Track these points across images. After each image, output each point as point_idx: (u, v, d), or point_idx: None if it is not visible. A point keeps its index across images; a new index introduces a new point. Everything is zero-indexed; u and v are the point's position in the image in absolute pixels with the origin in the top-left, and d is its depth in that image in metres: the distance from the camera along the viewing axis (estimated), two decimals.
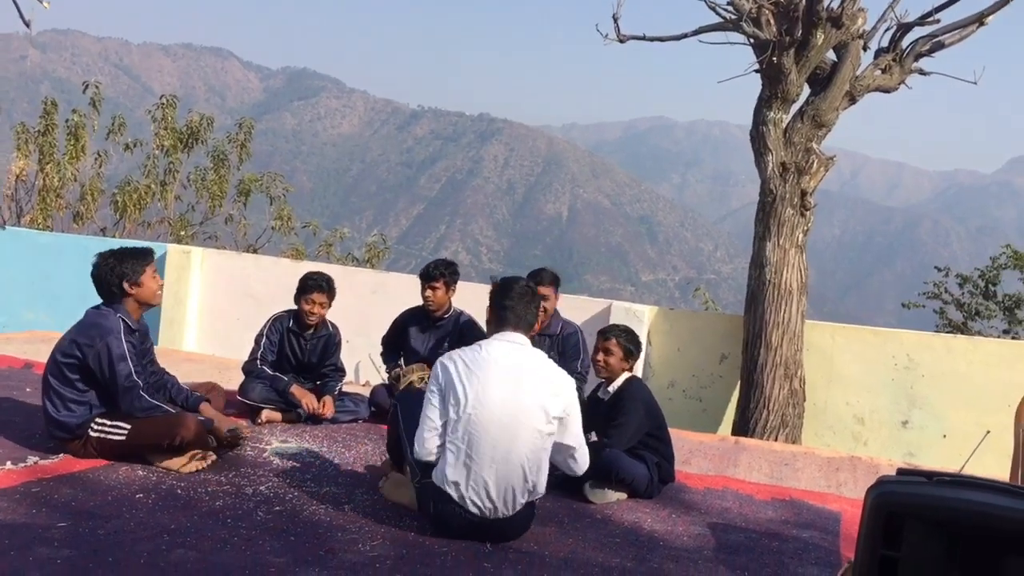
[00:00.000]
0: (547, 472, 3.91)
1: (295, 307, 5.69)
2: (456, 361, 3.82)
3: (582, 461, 3.98)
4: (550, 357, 5.59)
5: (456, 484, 3.70)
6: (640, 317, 8.08)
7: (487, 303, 4.09)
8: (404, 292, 7.11)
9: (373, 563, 3.41)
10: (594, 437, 5.02)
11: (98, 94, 12.96)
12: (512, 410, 3.73)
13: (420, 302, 5.95)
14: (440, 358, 3.88)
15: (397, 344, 6.14)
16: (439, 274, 5.86)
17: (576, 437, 3.94)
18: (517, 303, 3.97)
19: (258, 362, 5.56)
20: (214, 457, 4.45)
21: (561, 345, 5.77)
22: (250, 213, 13.90)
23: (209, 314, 9.41)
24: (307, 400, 5.45)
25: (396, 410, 4.23)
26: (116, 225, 12.75)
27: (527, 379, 3.81)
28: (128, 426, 4.34)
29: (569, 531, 4.06)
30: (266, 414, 5.42)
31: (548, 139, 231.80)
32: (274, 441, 5.06)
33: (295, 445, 5.03)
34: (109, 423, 4.35)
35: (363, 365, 8.57)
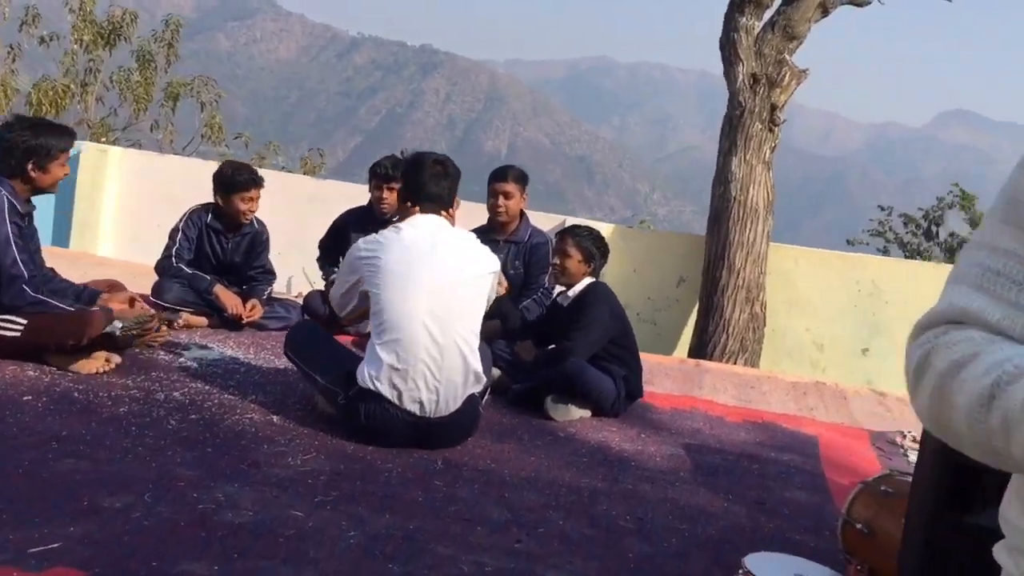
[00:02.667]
0: (489, 359, 3.63)
1: (212, 202, 5.05)
2: (370, 244, 3.39)
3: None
4: (515, 267, 5.12)
5: (389, 379, 3.24)
6: None
7: None
8: (344, 203, 6.48)
9: (304, 479, 2.88)
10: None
11: None
12: (443, 289, 3.32)
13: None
14: (352, 247, 3.43)
15: (336, 249, 5.52)
16: (397, 176, 5.17)
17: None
18: (429, 181, 3.49)
19: (173, 259, 4.91)
20: (119, 359, 3.84)
21: (528, 254, 5.07)
22: (178, 120, 12.99)
23: (127, 217, 8.62)
24: (232, 303, 4.85)
25: (292, 345, 3.72)
26: None
27: (453, 254, 3.41)
28: (24, 321, 3.69)
29: (530, 449, 3.58)
30: (185, 317, 4.79)
31: (491, 74, 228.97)
32: (192, 346, 4.46)
33: (217, 351, 4.43)
34: (1, 316, 3.70)
35: (296, 280, 7.94)
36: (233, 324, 4.89)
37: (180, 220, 5.03)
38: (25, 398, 3.30)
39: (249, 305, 4.92)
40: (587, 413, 4.15)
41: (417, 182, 3.48)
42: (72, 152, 8.77)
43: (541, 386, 4.17)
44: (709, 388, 5.35)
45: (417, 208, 3.46)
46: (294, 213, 7.88)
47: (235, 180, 4.95)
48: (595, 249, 4.37)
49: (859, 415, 5.13)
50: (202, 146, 12.71)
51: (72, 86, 12.31)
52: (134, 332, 3.84)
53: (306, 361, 3.58)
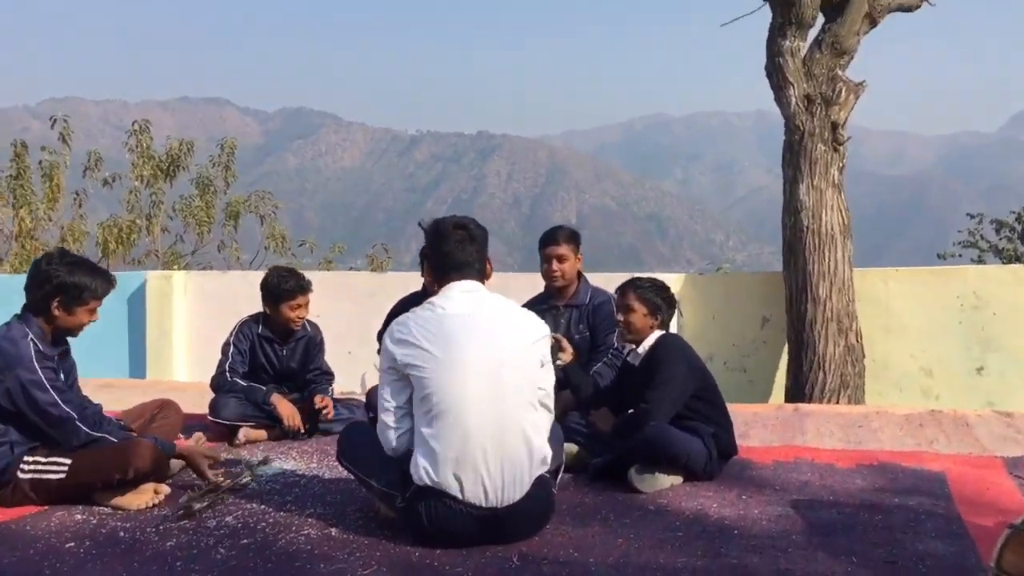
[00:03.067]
0: (559, 435, 3.25)
1: (261, 311, 4.88)
2: (409, 326, 3.06)
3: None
4: (580, 331, 4.79)
5: (445, 475, 2.92)
6: None
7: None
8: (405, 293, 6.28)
9: None
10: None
11: (67, 128, 12.18)
12: (492, 365, 2.98)
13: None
14: (388, 329, 3.11)
15: None
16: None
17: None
18: (455, 247, 3.19)
19: (227, 374, 4.73)
20: (167, 489, 3.61)
21: (592, 316, 4.73)
22: (242, 237, 13.15)
23: (196, 338, 8.59)
24: (287, 412, 4.62)
25: (344, 449, 3.42)
26: (100, 263, 11.95)
27: (498, 326, 3.08)
28: (68, 461, 3.51)
29: (617, 529, 3.20)
30: (244, 433, 4.58)
31: (549, 148, 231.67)
32: (251, 464, 4.20)
33: (277, 466, 4.18)
34: (44, 460, 3.51)
35: (369, 376, 7.74)
36: (295, 433, 4.66)
37: (231, 334, 4.87)
38: (68, 545, 3.08)
39: (319, 399, 4.72)
40: (678, 480, 3.76)
41: (441, 253, 3.20)
42: (135, 283, 8.86)
43: (623, 457, 3.80)
44: (813, 433, 4.89)
45: (447, 280, 3.18)
46: (358, 309, 7.74)
47: (281, 289, 4.77)
48: (659, 300, 4.02)
49: (987, 441, 4.61)
50: (268, 258, 12.79)
51: (138, 221, 12.59)
52: (206, 504, 3.57)
53: (360, 465, 3.28)
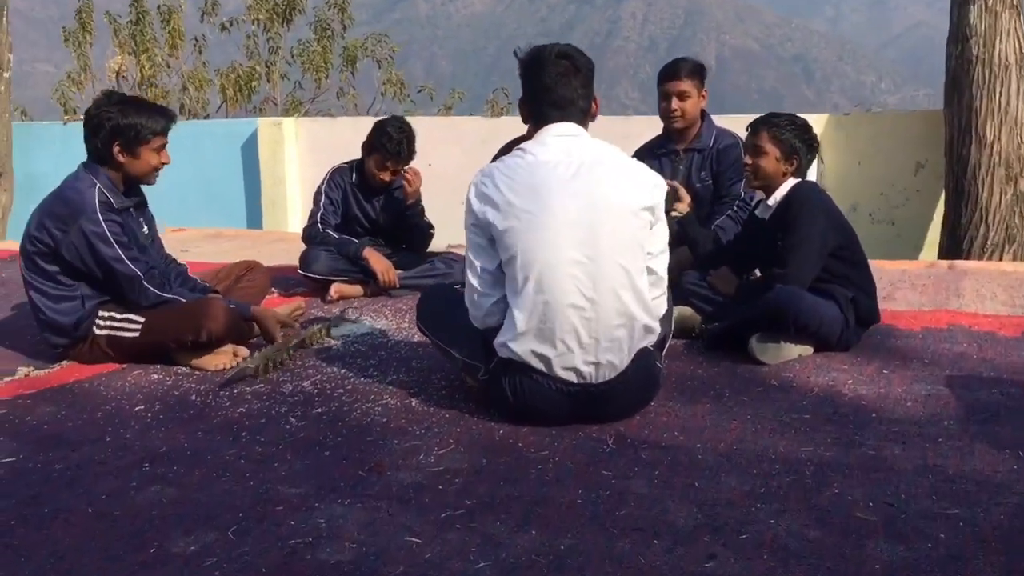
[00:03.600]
0: (664, 300, 2.75)
1: (358, 159, 4.54)
2: (494, 177, 2.62)
3: (657, 308, 2.71)
4: (701, 179, 4.26)
5: (534, 348, 2.55)
6: None
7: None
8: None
9: (435, 483, 2.27)
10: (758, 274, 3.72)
11: None
12: (587, 223, 2.53)
13: None
14: (472, 180, 2.68)
15: None
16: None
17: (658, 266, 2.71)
18: (556, 80, 2.66)
19: (319, 225, 4.45)
20: (247, 352, 3.39)
21: (716, 161, 4.20)
22: (361, 83, 12.82)
23: (309, 188, 8.41)
24: (382, 267, 4.32)
25: (422, 315, 3.07)
26: (217, 111, 11.95)
27: (599, 177, 2.59)
28: (142, 319, 3.33)
29: (732, 408, 2.78)
30: (336, 288, 4.32)
31: None
32: (341, 322, 3.95)
33: (367, 324, 3.91)
34: (119, 317, 3.34)
35: None
36: (391, 289, 4.38)
37: (323, 181, 4.57)
38: (137, 408, 2.90)
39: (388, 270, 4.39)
40: (808, 350, 3.28)
41: (539, 87, 2.69)
42: (248, 131, 8.69)
43: (745, 323, 3.34)
44: (971, 295, 4.27)
45: (544, 121, 2.70)
46: (469, 157, 7.34)
47: (379, 143, 4.37)
48: (797, 141, 3.43)
49: None
50: (387, 104, 12.45)
51: (257, 67, 12.41)
52: (272, 362, 3.34)
53: (440, 333, 2.94)
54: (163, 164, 3.38)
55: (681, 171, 4.18)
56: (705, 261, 3.77)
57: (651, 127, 4.75)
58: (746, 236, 3.71)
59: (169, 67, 12.07)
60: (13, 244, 6.39)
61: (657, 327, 2.69)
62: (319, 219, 4.45)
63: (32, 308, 3.38)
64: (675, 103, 4.16)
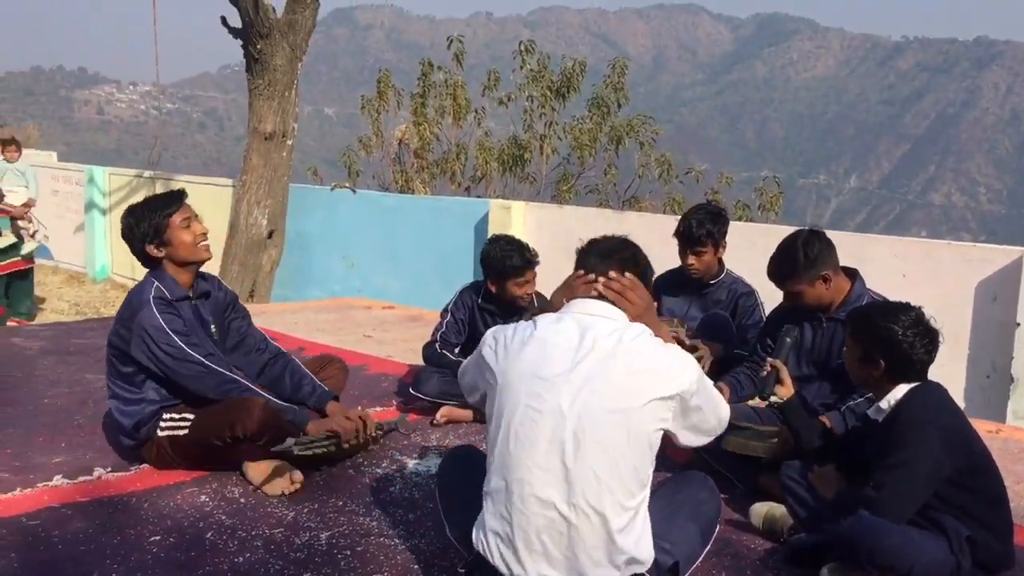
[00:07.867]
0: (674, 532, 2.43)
1: (482, 280, 4.46)
2: (498, 340, 2.44)
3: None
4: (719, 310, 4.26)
5: (497, 545, 2.31)
6: None
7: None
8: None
9: None
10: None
11: (460, 48, 12.63)
12: (574, 416, 2.23)
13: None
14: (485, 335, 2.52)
15: None
16: (704, 235, 4.26)
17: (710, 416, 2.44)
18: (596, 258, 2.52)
19: (438, 345, 4.38)
20: (300, 476, 3.38)
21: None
22: (628, 162, 12.74)
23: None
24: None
25: (438, 476, 2.89)
26: (478, 183, 12.38)
27: (608, 366, 2.27)
28: (192, 416, 3.44)
29: None
30: (446, 411, 4.23)
31: None
32: (430, 453, 3.83)
33: (420, 442, 3.78)
34: (178, 416, 3.47)
35: None
36: None
37: (451, 299, 4.52)
38: (152, 539, 2.96)
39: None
40: None
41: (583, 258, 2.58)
42: (482, 211, 8.91)
43: (826, 545, 2.79)
44: None
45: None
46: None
47: (506, 266, 4.28)
48: (879, 344, 2.83)
49: None
50: (644, 185, 12.24)
51: (532, 140, 12.77)
52: (312, 452, 3.32)
53: (442, 501, 2.76)
54: (201, 234, 3.49)
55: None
56: (811, 454, 3.22)
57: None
58: (859, 435, 3.12)
59: (437, 139, 12.77)
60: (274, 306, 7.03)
61: (643, 561, 2.30)
62: (439, 338, 4.40)
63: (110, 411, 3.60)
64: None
